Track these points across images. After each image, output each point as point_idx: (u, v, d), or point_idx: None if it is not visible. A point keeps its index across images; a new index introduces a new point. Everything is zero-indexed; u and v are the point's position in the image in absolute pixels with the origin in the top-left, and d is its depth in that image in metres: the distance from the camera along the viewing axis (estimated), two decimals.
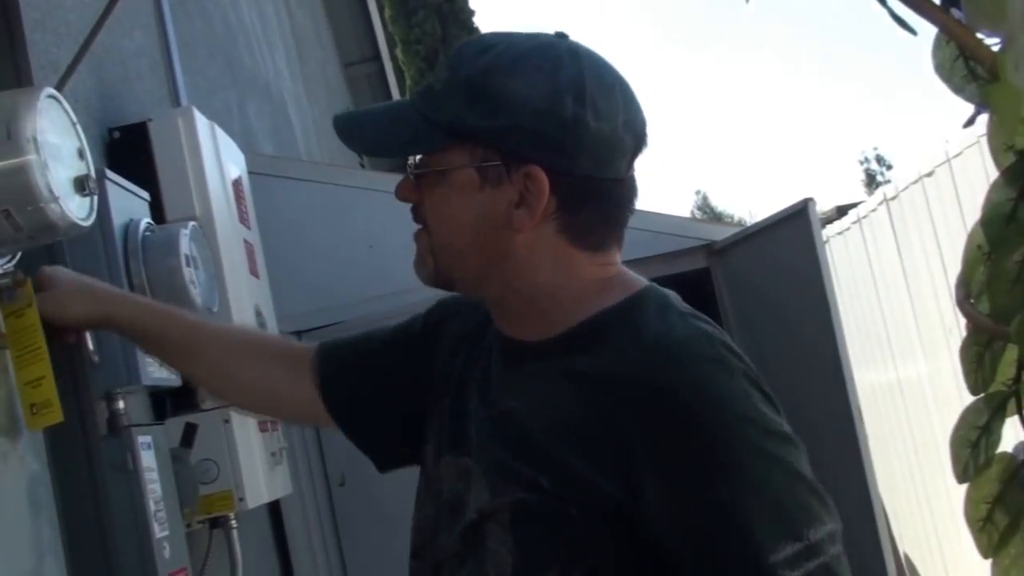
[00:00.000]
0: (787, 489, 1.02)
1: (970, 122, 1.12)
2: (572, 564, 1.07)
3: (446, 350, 1.33)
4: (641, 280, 1.19)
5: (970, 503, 1.13)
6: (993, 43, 0.97)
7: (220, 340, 1.59)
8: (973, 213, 1.03)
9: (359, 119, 1.25)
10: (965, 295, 1.10)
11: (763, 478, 1.02)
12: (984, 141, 3.67)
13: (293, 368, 1.49)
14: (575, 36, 1.18)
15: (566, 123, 1.08)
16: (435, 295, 1.27)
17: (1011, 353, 1.09)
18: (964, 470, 1.13)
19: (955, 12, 0.98)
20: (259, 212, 3.22)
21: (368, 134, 1.20)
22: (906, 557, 5.51)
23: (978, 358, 1.11)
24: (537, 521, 1.09)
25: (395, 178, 1.22)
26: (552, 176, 1.09)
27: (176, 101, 3.27)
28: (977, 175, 3.82)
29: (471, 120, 1.10)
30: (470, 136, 1.11)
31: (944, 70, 1.05)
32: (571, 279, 1.14)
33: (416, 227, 1.21)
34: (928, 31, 1.03)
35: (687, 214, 26.58)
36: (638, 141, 1.13)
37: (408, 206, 1.21)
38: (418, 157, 1.17)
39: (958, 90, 1.05)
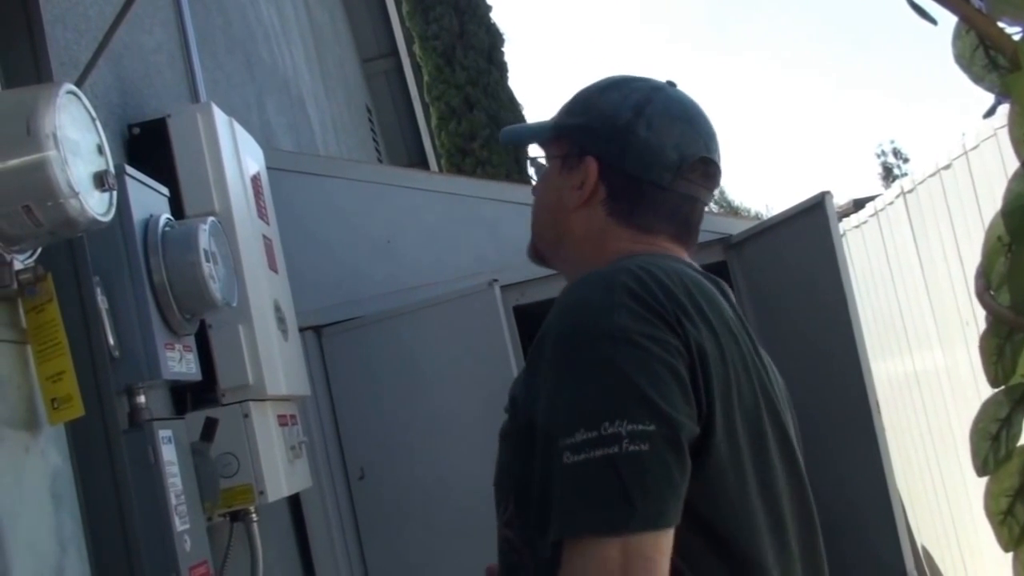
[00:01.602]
0: (601, 384, 1.11)
1: (990, 112, 1.11)
2: (509, 482, 1.24)
3: None
4: (664, 250, 1.33)
5: (990, 497, 1.12)
6: (1015, 32, 0.97)
7: None
8: (990, 206, 1.03)
9: (520, 126, 1.55)
10: (985, 286, 1.09)
11: (581, 372, 1.12)
12: (1001, 133, 3.64)
13: None
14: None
15: (619, 127, 1.34)
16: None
17: None
18: (984, 463, 1.12)
19: (976, 1, 0.97)
20: (278, 207, 3.23)
21: (513, 131, 1.52)
22: (923, 549, 5.49)
23: (998, 350, 1.11)
24: (501, 440, 1.29)
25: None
26: (604, 168, 1.34)
27: (195, 97, 3.29)
28: (994, 167, 3.79)
29: (564, 121, 1.41)
30: (562, 133, 1.40)
31: (964, 60, 1.04)
32: (613, 252, 1.33)
33: None
34: (948, 21, 1.03)
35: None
36: (682, 160, 1.33)
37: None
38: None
39: (978, 80, 1.04)
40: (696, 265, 1.34)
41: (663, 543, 1.08)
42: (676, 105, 1.37)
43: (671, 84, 1.41)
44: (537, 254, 1.46)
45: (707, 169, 1.36)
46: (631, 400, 1.09)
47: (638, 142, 1.33)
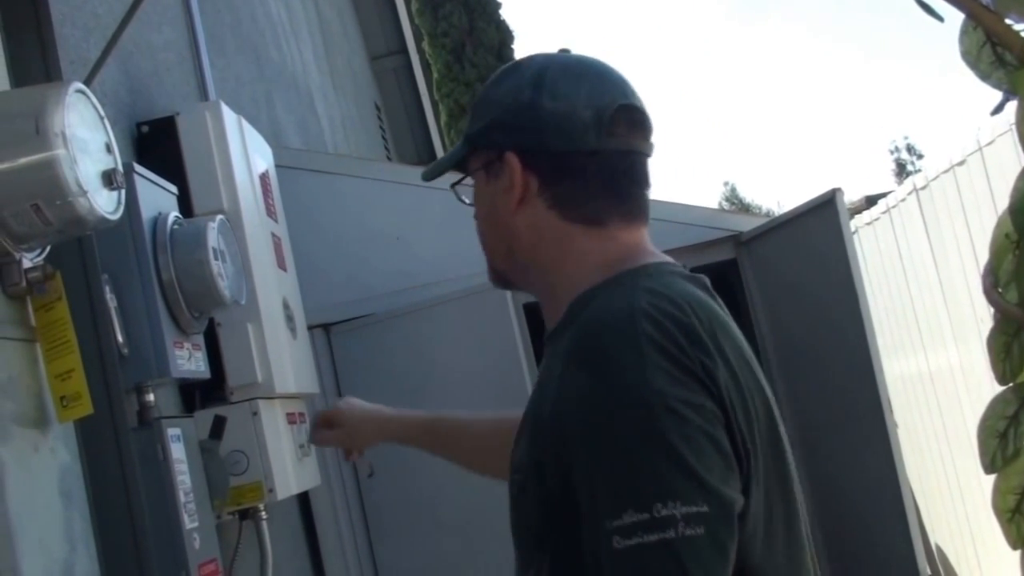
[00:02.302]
0: (646, 460, 1.02)
1: (998, 109, 1.11)
2: (536, 542, 1.16)
3: None
4: (647, 257, 1.24)
5: (998, 494, 1.12)
6: (1022, 29, 0.96)
7: (489, 438, 1.77)
8: (1006, 203, 1.02)
9: (436, 161, 1.44)
10: (992, 284, 1.08)
11: (623, 446, 1.04)
12: None
13: None
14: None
15: (522, 107, 1.24)
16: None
17: None
18: (992, 461, 1.12)
19: None
20: (286, 205, 3.23)
21: (430, 169, 1.42)
22: (938, 549, 5.47)
23: (1006, 348, 1.10)
24: (512, 505, 1.21)
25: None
26: (525, 156, 1.24)
27: (204, 95, 3.29)
28: (1010, 163, 3.77)
29: (471, 129, 1.31)
30: (473, 142, 1.31)
31: (971, 57, 1.04)
32: (569, 254, 1.24)
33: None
34: (955, 18, 1.02)
35: (715, 206, 26.44)
36: (600, 114, 1.22)
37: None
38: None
39: (985, 77, 1.03)
40: (679, 266, 1.25)
41: None
42: (575, 65, 1.28)
43: (565, 51, 1.32)
44: (498, 277, 1.36)
45: (632, 117, 1.25)
46: (680, 478, 1.02)
47: (547, 115, 1.23)
